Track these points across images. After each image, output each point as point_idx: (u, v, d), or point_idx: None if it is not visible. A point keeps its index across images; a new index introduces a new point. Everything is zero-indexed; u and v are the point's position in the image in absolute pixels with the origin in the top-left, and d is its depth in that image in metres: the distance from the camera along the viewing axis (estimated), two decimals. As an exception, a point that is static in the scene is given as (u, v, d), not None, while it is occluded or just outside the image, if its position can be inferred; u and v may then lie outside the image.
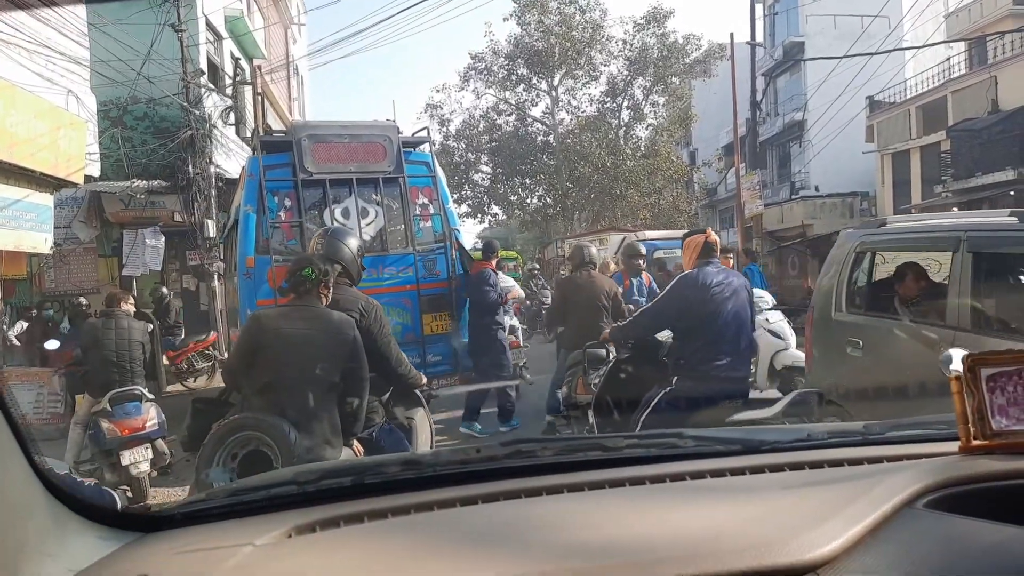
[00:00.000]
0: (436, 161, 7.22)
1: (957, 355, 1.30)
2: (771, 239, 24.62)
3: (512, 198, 31.62)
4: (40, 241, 8.60)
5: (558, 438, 2.73)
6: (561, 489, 1.26)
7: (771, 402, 4.08)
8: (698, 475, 1.31)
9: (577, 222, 30.54)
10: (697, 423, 3.64)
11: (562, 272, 16.42)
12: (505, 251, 28.67)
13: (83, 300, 11.50)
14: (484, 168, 31.80)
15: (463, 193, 31.97)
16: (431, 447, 4.64)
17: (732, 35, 19.69)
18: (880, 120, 25.00)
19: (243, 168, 7.40)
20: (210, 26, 14.19)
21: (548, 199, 30.60)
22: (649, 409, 4.13)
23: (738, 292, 4.31)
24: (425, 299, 6.86)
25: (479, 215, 32.84)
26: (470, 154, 31.41)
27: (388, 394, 4.06)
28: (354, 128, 6.86)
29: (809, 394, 3.96)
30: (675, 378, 4.23)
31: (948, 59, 24.00)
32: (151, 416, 5.90)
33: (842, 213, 28.02)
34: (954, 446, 1.31)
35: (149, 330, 6.55)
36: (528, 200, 31.74)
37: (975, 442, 1.27)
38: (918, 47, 22.09)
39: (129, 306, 6.51)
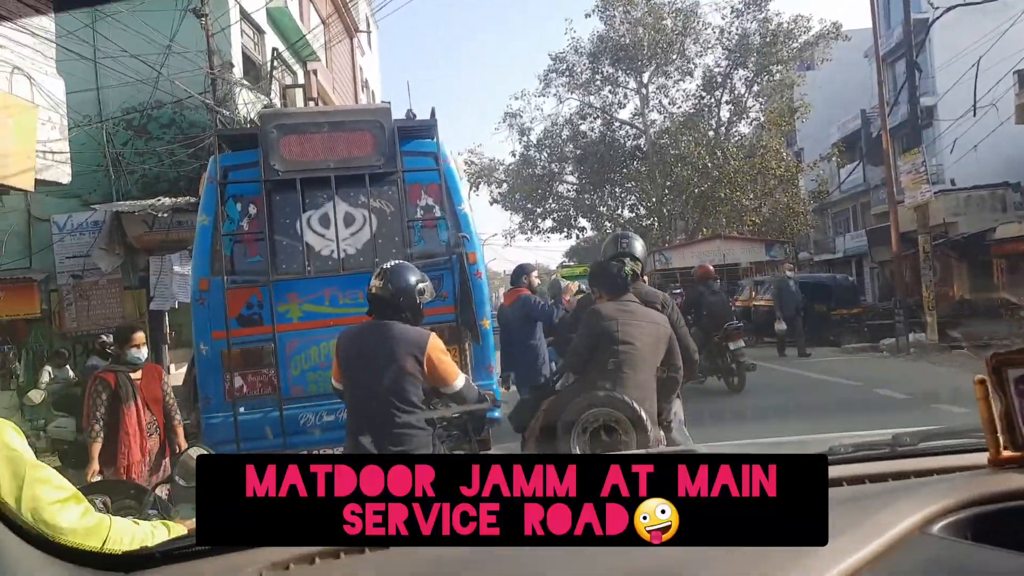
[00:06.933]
0: (446, 151, 5.70)
1: None
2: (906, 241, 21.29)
3: (601, 209, 29.11)
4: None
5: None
6: None
7: None
8: None
9: (674, 232, 27.62)
10: None
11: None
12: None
13: (105, 338, 9.63)
14: (569, 179, 29.49)
15: (547, 207, 29.76)
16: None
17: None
18: (1037, 96, 21.18)
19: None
20: (245, 15, 12.24)
21: (641, 208, 27.85)
22: None
23: None
24: None
25: (565, 229, 30.37)
26: (553, 164, 29.14)
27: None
28: (336, 114, 5.80)
29: None
30: None
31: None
32: None
33: (992, 207, 24.22)
34: (985, 458, 1.21)
35: None
36: (619, 211, 29.05)
37: (1005, 453, 1.18)
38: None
39: None
